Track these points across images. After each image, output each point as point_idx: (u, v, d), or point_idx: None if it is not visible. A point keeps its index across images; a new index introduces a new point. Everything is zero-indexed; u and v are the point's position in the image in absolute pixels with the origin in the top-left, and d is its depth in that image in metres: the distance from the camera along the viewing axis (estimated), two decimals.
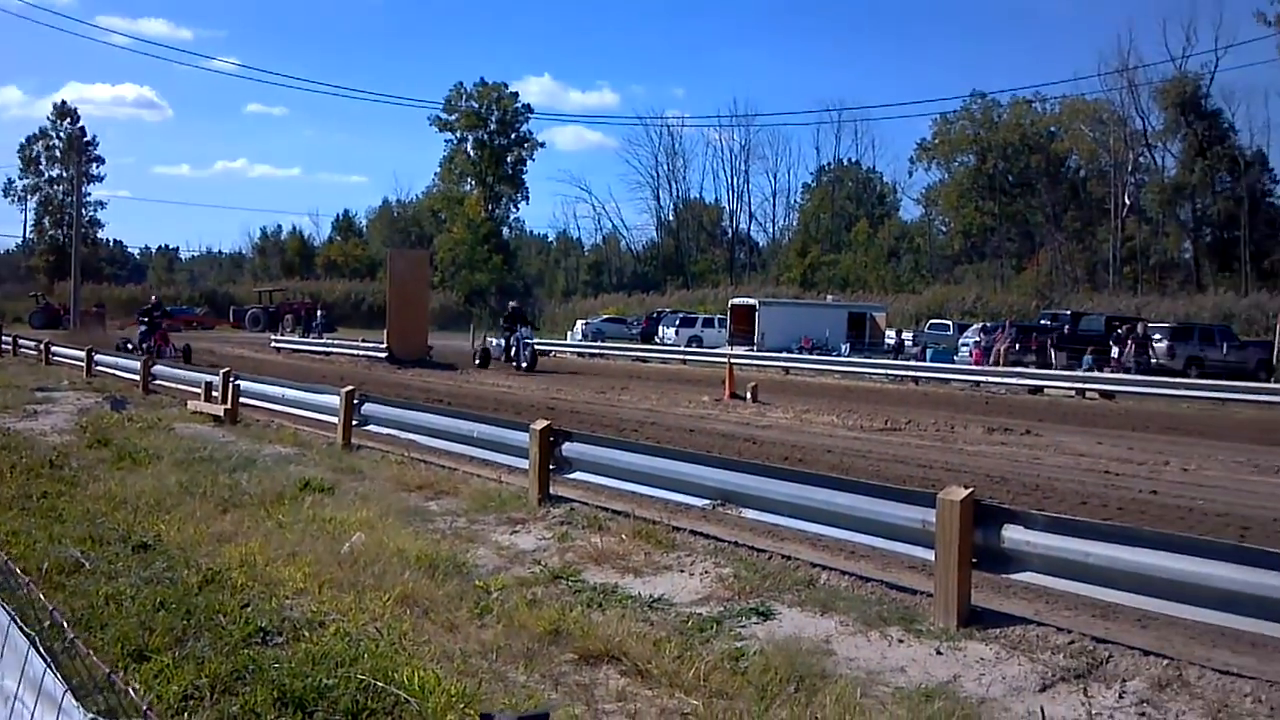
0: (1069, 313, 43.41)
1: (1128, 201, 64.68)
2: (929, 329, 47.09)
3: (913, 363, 35.63)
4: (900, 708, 4.69)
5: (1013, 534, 5.93)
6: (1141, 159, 65.48)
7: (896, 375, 31.58)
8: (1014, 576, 6.09)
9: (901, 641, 5.69)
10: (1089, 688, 5.01)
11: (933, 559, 6.07)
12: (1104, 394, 26.35)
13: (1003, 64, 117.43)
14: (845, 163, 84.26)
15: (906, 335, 47.79)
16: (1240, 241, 59.08)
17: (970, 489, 6.06)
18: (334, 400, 13.21)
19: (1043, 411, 21.78)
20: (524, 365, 30.33)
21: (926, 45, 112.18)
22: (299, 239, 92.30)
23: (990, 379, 29.59)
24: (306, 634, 5.46)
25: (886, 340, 47.20)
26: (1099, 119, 66.62)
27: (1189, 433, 18.22)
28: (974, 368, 33.65)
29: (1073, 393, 26.94)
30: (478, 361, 32.20)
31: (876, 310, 51.75)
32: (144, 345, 28.07)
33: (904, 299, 61.78)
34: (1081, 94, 67.43)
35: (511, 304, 35.59)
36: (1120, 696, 4.89)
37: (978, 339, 38.58)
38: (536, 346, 33.61)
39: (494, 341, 33.48)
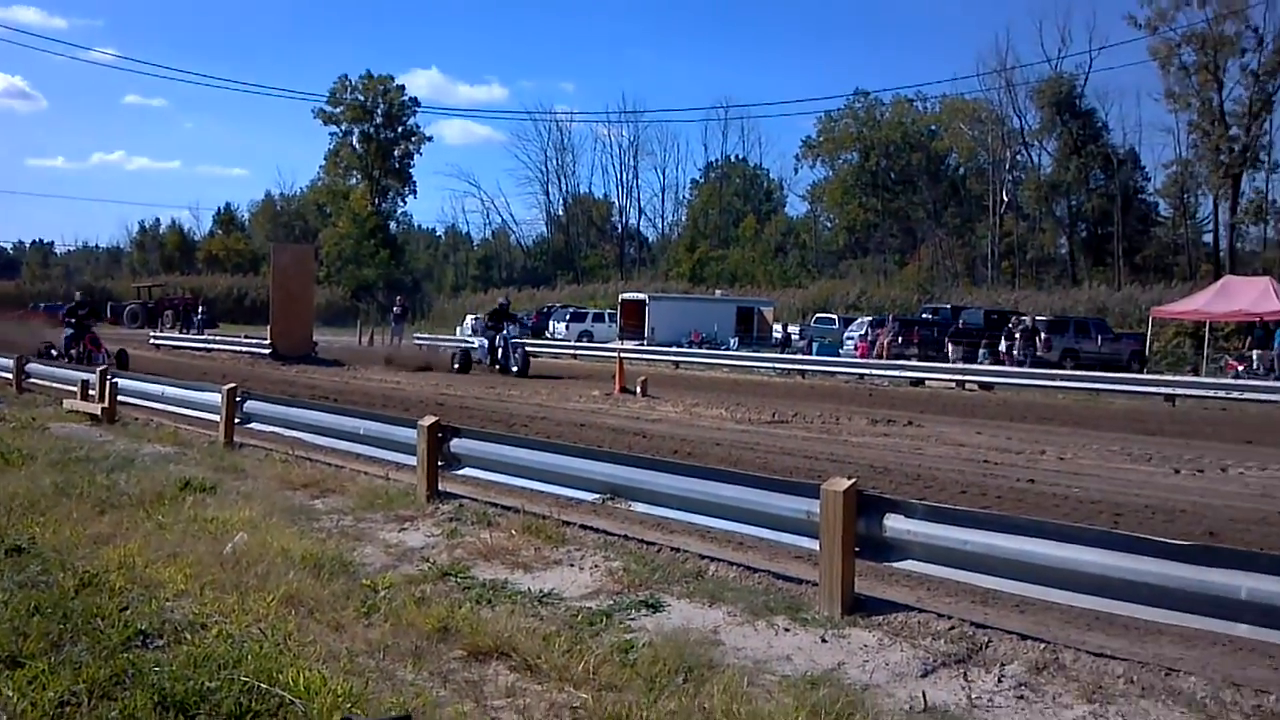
0: (949, 307, 44.45)
1: (1005, 198, 66.29)
2: (815, 323, 47.71)
3: (799, 356, 36.14)
4: (786, 695, 4.75)
5: (894, 523, 6.05)
6: (1019, 157, 67.18)
7: (784, 369, 31.96)
8: (896, 564, 6.22)
9: (788, 630, 5.77)
10: (969, 672, 5.13)
11: (818, 549, 6.16)
12: (983, 386, 27.03)
13: (885, 63, 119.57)
14: (733, 159, 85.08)
15: (793, 329, 48.36)
16: (1113, 237, 60.99)
17: (853, 479, 6.18)
18: (215, 398, 12.92)
19: (924, 403, 22.26)
20: (515, 369, 26.68)
21: (812, 44, 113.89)
22: (179, 233, 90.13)
23: (874, 372, 30.14)
24: (188, 636, 5.34)
25: (774, 334, 47.84)
26: (978, 118, 68.19)
27: (1065, 423, 18.77)
28: (859, 360, 34.26)
29: (953, 385, 27.58)
30: (456, 366, 27.92)
31: (764, 305, 52.43)
32: (71, 351, 24.22)
33: (790, 293, 62.40)
34: (961, 94, 69.18)
35: (499, 300, 31.65)
36: (999, 680, 5.01)
37: (863, 332, 39.26)
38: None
39: (476, 343, 29.86)
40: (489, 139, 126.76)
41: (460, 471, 9.30)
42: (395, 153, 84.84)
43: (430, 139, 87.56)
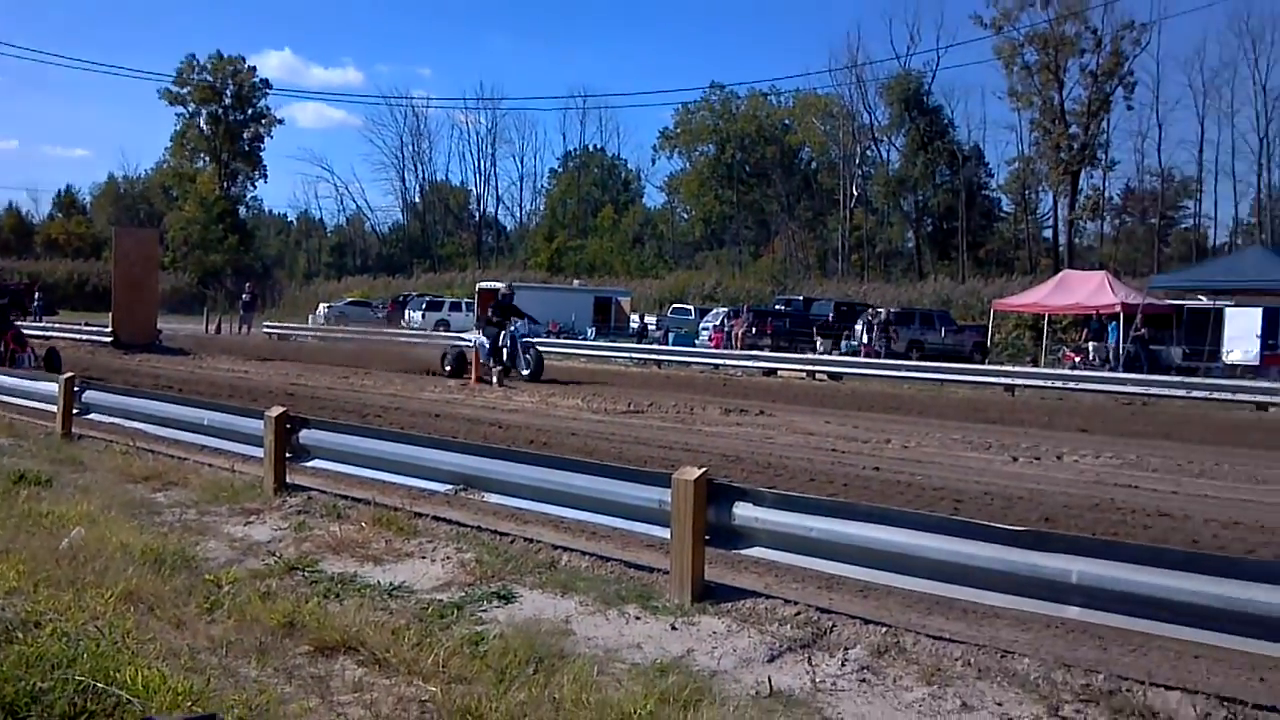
0: (801, 299, 45.33)
1: (855, 193, 68.00)
2: (671, 313, 48.14)
3: (656, 346, 36.42)
4: (636, 683, 4.80)
5: (743, 511, 6.14)
6: (868, 152, 68.94)
7: (640, 358, 32.19)
8: (745, 552, 6.33)
9: (639, 619, 5.82)
10: (813, 657, 5.24)
11: (669, 537, 6.22)
12: (832, 376, 27.64)
13: (742, 56, 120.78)
14: (591, 149, 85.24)
15: (650, 319, 48.71)
16: (958, 231, 63.19)
17: (704, 469, 6.25)
18: (52, 388, 12.45)
19: (776, 393, 22.66)
20: (526, 371, 22.68)
21: (669, 34, 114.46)
22: (16, 216, 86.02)
23: (728, 362, 30.55)
24: (20, 635, 5.12)
25: (631, 324, 48.10)
26: (829, 113, 69.89)
27: (910, 412, 19.34)
28: (713, 350, 34.72)
29: (804, 375, 28.15)
30: (449, 368, 24.40)
31: (621, 295, 52.72)
32: None
33: (648, 284, 62.81)
34: (814, 89, 71.02)
35: (502, 291, 25.49)
36: (843, 664, 5.12)
37: (718, 323, 39.77)
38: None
39: (475, 340, 24.35)
40: (344, 123, 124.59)
41: (310, 463, 9.12)
42: (245, 135, 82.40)
43: (282, 122, 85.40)
